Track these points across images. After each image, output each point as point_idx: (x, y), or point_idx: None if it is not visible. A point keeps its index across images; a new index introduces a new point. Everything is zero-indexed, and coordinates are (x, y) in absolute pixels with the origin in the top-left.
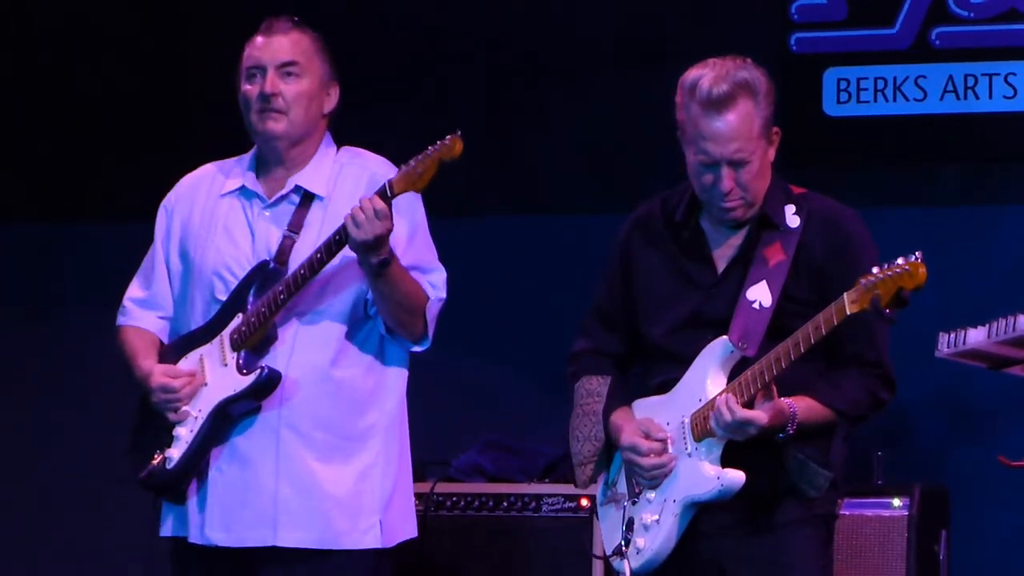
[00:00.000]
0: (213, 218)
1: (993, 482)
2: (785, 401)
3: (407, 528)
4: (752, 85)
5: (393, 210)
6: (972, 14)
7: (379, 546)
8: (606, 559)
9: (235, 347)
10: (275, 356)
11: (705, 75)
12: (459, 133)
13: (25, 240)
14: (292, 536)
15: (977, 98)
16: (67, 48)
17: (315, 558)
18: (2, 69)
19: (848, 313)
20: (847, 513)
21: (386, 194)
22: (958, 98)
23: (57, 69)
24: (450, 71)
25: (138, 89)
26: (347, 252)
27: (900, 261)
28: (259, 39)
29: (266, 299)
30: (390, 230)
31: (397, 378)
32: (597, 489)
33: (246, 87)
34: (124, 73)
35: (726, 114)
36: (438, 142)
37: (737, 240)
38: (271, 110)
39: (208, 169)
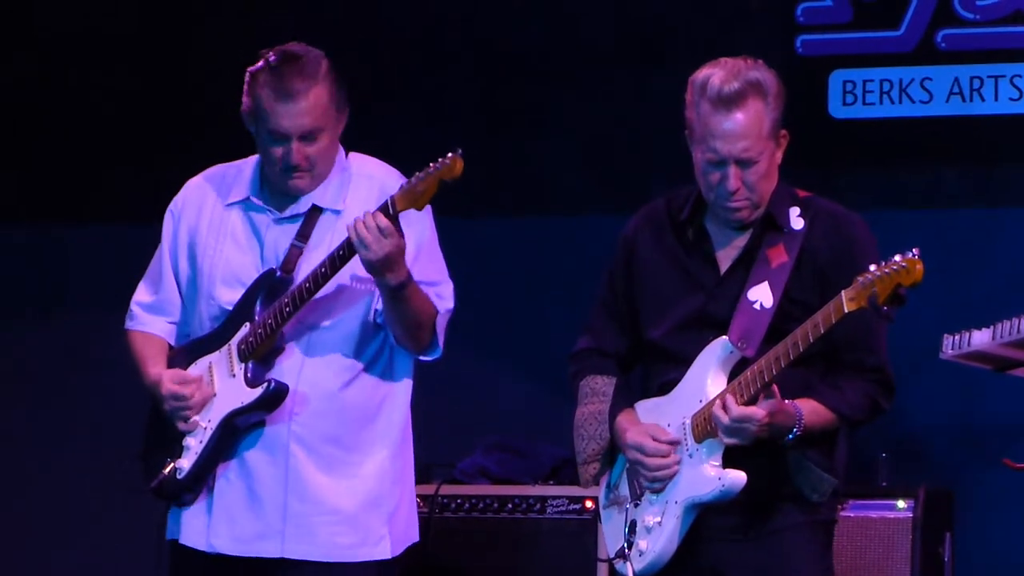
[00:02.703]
0: (221, 226)
1: (998, 485)
2: (789, 402)
3: (411, 533)
4: (763, 85)
5: (403, 225)
6: (978, 16)
7: (388, 557)
8: (609, 561)
9: (243, 357)
10: (285, 371)
11: (716, 73)
12: (460, 152)
13: (28, 241)
14: (301, 549)
15: (983, 100)
16: (69, 49)
17: (324, 568)
18: (4, 70)
19: (846, 311)
20: (851, 515)
21: (388, 211)
22: (964, 100)
23: (60, 70)
24: (450, 71)
25: (141, 90)
26: (355, 265)
27: (897, 258)
28: (279, 107)
29: (273, 310)
30: (401, 248)
31: (404, 390)
32: (600, 491)
33: (270, 147)
34: (126, 74)
35: (735, 112)
36: (439, 160)
37: (741, 241)
38: (298, 171)
39: (214, 173)
